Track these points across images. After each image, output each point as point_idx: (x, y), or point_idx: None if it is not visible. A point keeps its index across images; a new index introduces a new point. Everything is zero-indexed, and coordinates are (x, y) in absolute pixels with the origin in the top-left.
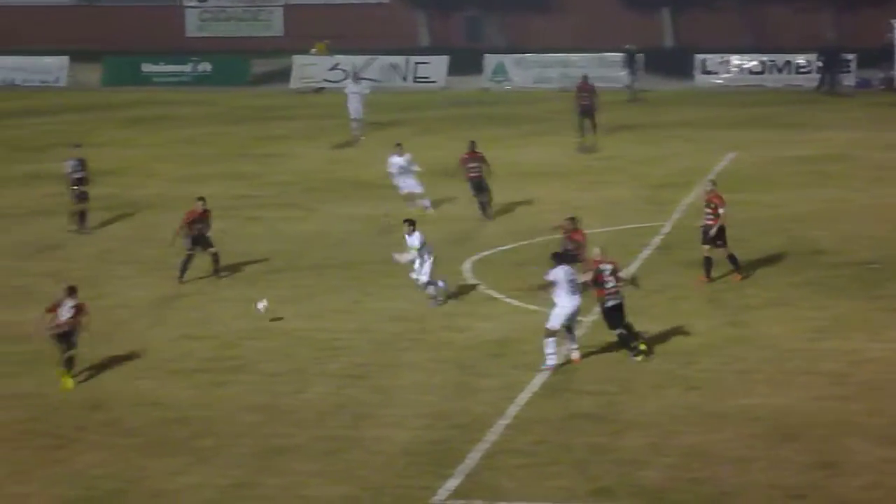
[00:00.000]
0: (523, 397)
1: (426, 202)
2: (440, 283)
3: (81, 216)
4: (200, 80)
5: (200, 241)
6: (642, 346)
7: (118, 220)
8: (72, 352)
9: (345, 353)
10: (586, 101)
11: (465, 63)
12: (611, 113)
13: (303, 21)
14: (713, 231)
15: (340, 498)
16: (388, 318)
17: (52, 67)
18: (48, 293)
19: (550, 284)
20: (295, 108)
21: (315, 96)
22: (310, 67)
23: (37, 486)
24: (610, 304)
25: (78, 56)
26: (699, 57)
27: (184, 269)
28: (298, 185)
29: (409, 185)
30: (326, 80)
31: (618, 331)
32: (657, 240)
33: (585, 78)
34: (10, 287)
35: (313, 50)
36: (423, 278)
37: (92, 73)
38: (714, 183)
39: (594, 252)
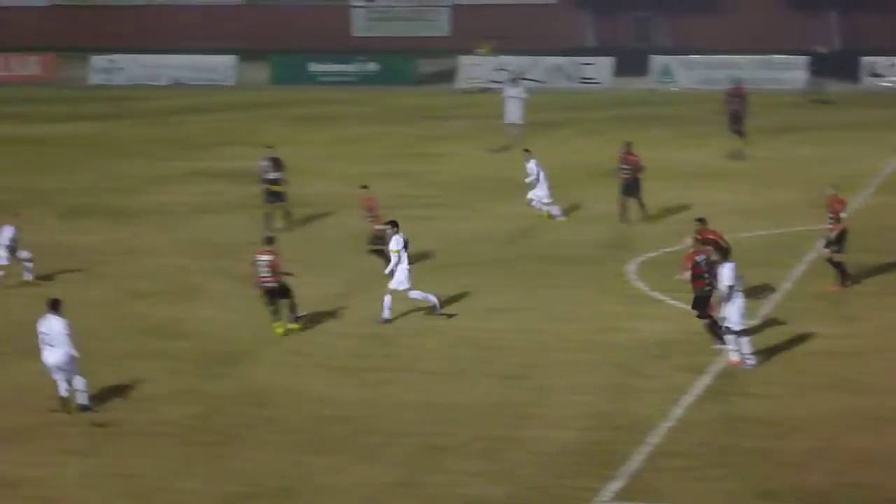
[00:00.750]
0: (687, 399)
1: (552, 208)
2: (422, 294)
3: (270, 216)
4: (366, 79)
5: (381, 239)
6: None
7: (283, 218)
8: (279, 303)
9: (506, 352)
10: (736, 107)
11: (630, 64)
12: (777, 115)
13: (469, 21)
14: (833, 235)
15: (502, 497)
16: (549, 317)
17: (220, 66)
18: (214, 290)
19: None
20: (459, 108)
21: (480, 97)
22: (475, 68)
23: (202, 483)
24: (707, 290)
25: (246, 55)
26: (867, 59)
27: None
28: (461, 185)
29: (536, 193)
30: (492, 81)
31: (707, 319)
32: (823, 243)
33: (738, 82)
34: (176, 283)
35: (479, 50)
36: (402, 287)
37: (259, 72)
38: (835, 188)
39: (685, 242)
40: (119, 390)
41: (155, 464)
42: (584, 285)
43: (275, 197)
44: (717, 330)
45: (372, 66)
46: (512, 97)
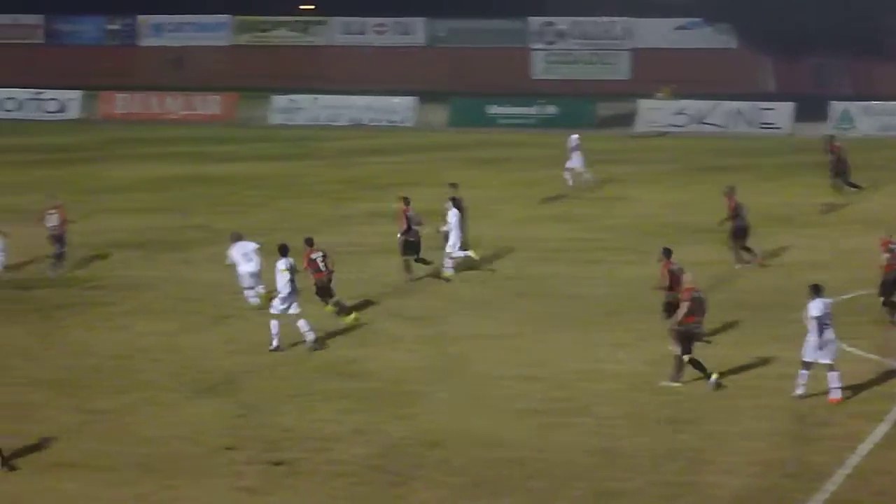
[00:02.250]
0: (864, 447)
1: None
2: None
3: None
4: (545, 122)
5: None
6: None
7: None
8: (336, 298)
9: (679, 397)
10: (834, 162)
11: (810, 109)
12: None
13: (649, 65)
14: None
15: None
16: (721, 363)
17: (400, 108)
18: (390, 331)
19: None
20: (637, 151)
21: (659, 140)
22: (655, 112)
23: None
24: (696, 330)
25: (425, 96)
26: None
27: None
28: (635, 229)
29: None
30: (671, 125)
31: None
32: None
33: (831, 139)
34: (353, 324)
35: (659, 94)
36: (273, 309)
37: (438, 114)
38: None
39: (686, 279)
40: (295, 429)
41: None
42: (758, 330)
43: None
44: (701, 366)
45: (551, 109)
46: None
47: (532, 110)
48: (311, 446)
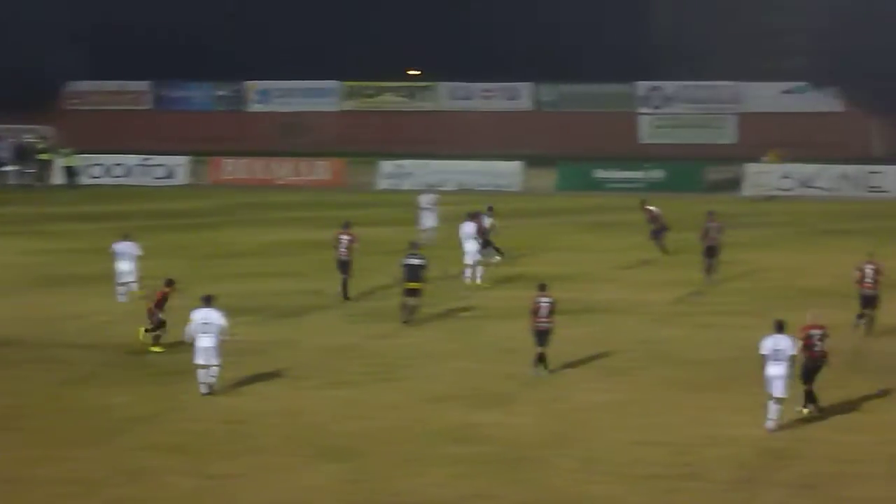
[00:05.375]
0: None
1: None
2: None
3: None
4: (653, 186)
5: None
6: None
7: (574, 325)
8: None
9: (797, 462)
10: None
11: None
12: None
13: (756, 129)
14: None
15: None
16: (842, 427)
17: (507, 172)
18: (503, 394)
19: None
20: (748, 216)
21: (767, 204)
22: (762, 175)
23: None
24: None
25: (532, 161)
26: None
27: None
28: (750, 293)
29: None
30: (778, 189)
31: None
32: None
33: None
34: (467, 388)
35: (765, 158)
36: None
37: (545, 178)
38: None
39: (808, 317)
40: (407, 493)
41: None
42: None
43: None
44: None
45: (659, 173)
46: (425, 207)
47: (639, 174)
48: None
